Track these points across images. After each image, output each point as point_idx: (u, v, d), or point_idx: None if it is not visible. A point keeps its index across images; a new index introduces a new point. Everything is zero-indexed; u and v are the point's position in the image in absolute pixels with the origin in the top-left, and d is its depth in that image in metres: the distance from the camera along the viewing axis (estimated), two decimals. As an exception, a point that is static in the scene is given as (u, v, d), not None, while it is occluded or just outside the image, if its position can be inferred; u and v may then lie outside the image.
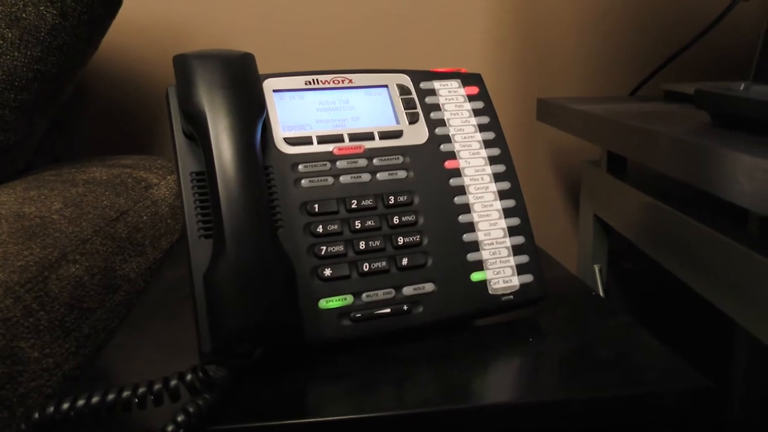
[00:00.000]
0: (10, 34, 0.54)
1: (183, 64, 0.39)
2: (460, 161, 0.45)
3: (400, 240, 0.41)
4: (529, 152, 0.96)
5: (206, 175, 0.37)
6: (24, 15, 0.54)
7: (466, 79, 0.49)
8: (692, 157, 0.37)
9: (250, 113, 0.39)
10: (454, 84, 0.48)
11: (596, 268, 0.72)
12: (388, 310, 0.40)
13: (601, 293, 0.72)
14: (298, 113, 0.43)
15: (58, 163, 0.66)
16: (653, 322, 0.94)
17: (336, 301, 0.39)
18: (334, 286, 0.40)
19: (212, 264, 0.36)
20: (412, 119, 0.45)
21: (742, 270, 0.42)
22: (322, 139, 0.42)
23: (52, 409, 0.30)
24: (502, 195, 0.45)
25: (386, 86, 0.46)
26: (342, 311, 0.39)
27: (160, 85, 0.89)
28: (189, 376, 0.32)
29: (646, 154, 0.45)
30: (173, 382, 0.32)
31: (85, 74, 0.80)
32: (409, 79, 0.47)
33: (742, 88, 0.39)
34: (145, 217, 0.58)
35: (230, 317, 0.35)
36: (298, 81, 0.44)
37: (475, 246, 0.43)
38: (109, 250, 0.50)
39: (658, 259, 0.56)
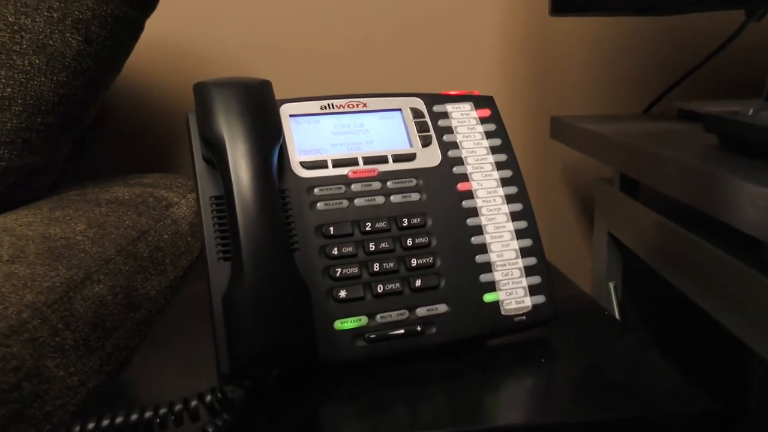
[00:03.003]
0: (37, 61, 0.56)
1: (203, 91, 0.41)
2: (473, 183, 0.46)
3: (414, 262, 0.42)
4: (542, 169, 0.96)
5: (225, 199, 0.38)
6: (51, 42, 0.56)
7: (478, 101, 0.49)
8: (701, 183, 0.37)
9: (268, 139, 0.40)
10: (467, 107, 0.49)
11: (611, 285, 0.72)
12: (402, 331, 0.41)
13: (616, 310, 0.72)
14: (314, 137, 0.44)
15: (81, 182, 0.68)
16: (669, 340, 0.93)
17: (351, 322, 0.40)
18: (348, 308, 0.40)
19: (231, 287, 0.37)
20: (426, 142, 0.46)
21: (753, 294, 0.42)
22: (337, 163, 0.43)
23: (78, 429, 0.31)
24: (515, 216, 0.46)
25: (400, 110, 0.47)
26: (357, 332, 0.40)
27: (178, 106, 0.91)
28: (208, 397, 0.33)
29: (656, 178, 0.45)
30: (193, 403, 0.33)
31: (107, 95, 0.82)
32: (422, 102, 0.47)
33: (751, 113, 0.39)
34: (165, 236, 0.59)
35: (248, 339, 0.36)
36: (314, 106, 0.45)
37: (487, 267, 0.44)
38: (131, 269, 0.52)
39: (670, 278, 0.56)
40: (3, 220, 0.51)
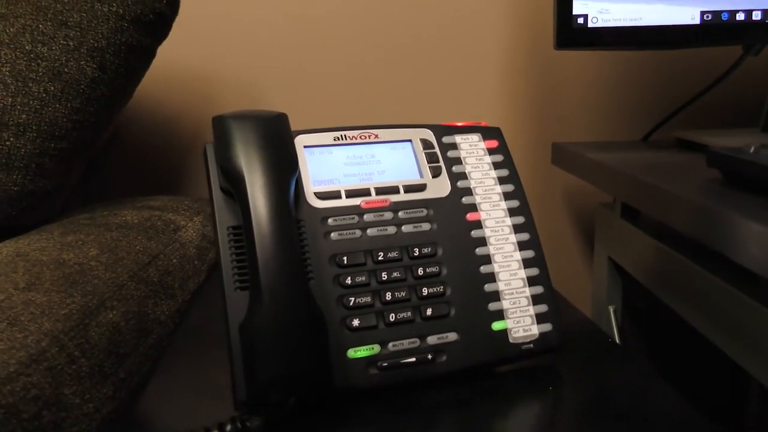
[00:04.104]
0: (52, 88, 0.57)
1: (221, 124, 0.42)
2: (481, 213, 0.46)
3: (425, 291, 0.43)
4: (544, 194, 0.98)
5: (243, 230, 0.39)
6: (66, 69, 0.58)
7: (486, 132, 0.50)
8: (705, 219, 0.39)
9: (285, 171, 0.41)
10: (475, 138, 0.50)
11: (611, 309, 0.73)
12: (414, 359, 0.41)
13: (616, 334, 0.73)
14: (328, 168, 0.45)
15: (90, 205, 0.68)
16: (668, 363, 0.94)
17: (364, 350, 0.41)
18: (362, 336, 0.41)
19: (249, 315, 0.37)
20: (435, 173, 0.47)
21: (751, 321, 0.43)
22: (350, 193, 0.44)
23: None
24: (522, 246, 0.46)
25: (410, 141, 0.48)
26: (369, 360, 0.41)
27: (185, 129, 0.92)
28: (228, 427, 0.34)
29: (659, 210, 0.47)
30: (214, 432, 0.34)
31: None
32: (431, 133, 0.48)
33: (752, 150, 0.41)
34: (174, 260, 0.60)
35: (266, 367, 0.36)
36: (328, 137, 0.46)
37: (496, 296, 0.44)
38: (142, 294, 0.52)
39: (669, 303, 0.57)
40: (15, 245, 0.52)
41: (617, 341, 0.72)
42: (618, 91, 0.95)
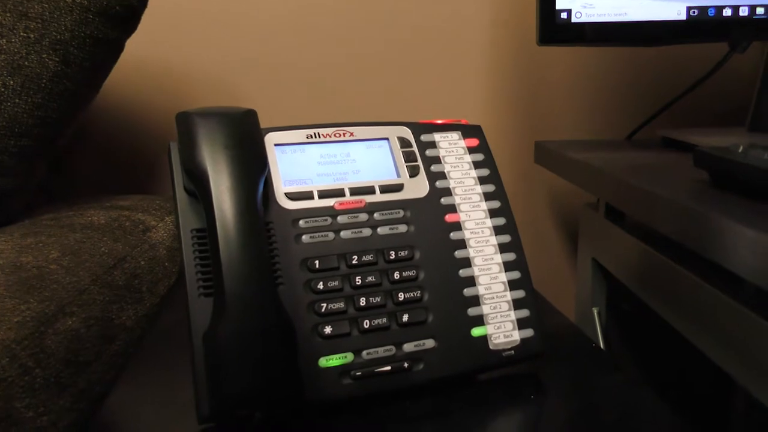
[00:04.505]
0: (11, 82, 0.54)
1: (185, 121, 0.39)
2: (461, 214, 0.45)
3: (401, 296, 0.41)
4: (527, 194, 0.96)
5: (207, 233, 0.37)
6: (26, 63, 0.55)
7: (466, 130, 0.49)
8: (691, 222, 0.37)
9: (252, 171, 0.39)
10: (455, 136, 0.48)
11: (595, 311, 0.72)
12: (389, 368, 0.40)
13: (600, 336, 0.72)
14: (300, 167, 0.43)
15: (56, 204, 0.65)
16: (653, 366, 0.93)
17: (336, 359, 0.39)
18: (334, 344, 0.39)
19: (212, 324, 0.35)
20: (413, 172, 0.45)
21: (735, 324, 0.42)
22: (323, 194, 0.42)
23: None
24: (503, 248, 0.45)
25: (387, 139, 0.46)
26: (342, 369, 0.39)
27: (157, 127, 0.89)
28: (188, 445, 0.32)
29: (644, 213, 0.45)
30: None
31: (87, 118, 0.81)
32: (409, 131, 0.47)
33: (741, 150, 0.39)
34: (143, 263, 0.57)
35: (230, 380, 0.34)
36: (300, 135, 0.44)
37: (475, 300, 0.43)
38: (106, 299, 0.50)
39: (653, 306, 0.56)
40: (-28, 247, 0.49)
41: (601, 344, 0.70)
42: (602, 89, 0.93)
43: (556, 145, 0.71)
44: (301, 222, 0.41)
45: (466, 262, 0.43)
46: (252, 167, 0.39)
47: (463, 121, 0.50)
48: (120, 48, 0.63)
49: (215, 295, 0.36)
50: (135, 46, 0.69)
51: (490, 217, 0.46)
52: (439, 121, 0.49)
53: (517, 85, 0.92)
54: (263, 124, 0.43)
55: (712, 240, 0.35)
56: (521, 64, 0.92)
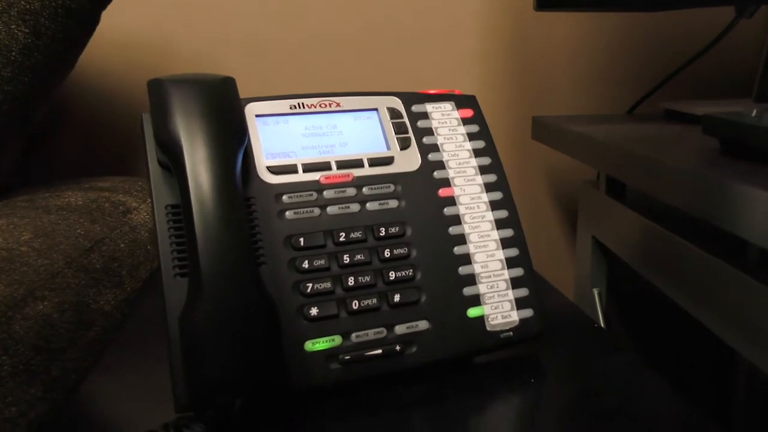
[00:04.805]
0: (-22, 54, 0.51)
1: (158, 89, 0.37)
2: (455, 189, 0.43)
3: (392, 275, 0.39)
4: (523, 171, 0.94)
5: (182, 208, 0.34)
6: (-7, 34, 0.52)
7: (460, 101, 0.46)
8: (703, 190, 0.35)
9: (230, 142, 0.36)
10: (448, 107, 0.46)
11: (595, 292, 0.70)
12: (380, 351, 0.37)
13: (601, 318, 0.70)
14: (283, 139, 0.41)
15: (32, 186, 0.63)
16: (654, 349, 0.92)
17: (323, 342, 0.37)
18: (321, 327, 0.37)
19: (188, 305, 0.33)
20: (404, 144, 0.43)
21: (740, 297, 0.40)
22: (308, 167, 0.40)
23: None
24: (500, 224, 0.43)
25: (376, 110, 0.44)
26: (330, 353, 0.37)
27: (139, 105, 0.86)
28: (160, 435, 0.29)
29: (651, 184, 0.43)
30: (142, 443, 0.29)
31: (62, 93, 0.77)
32: (400, 102, 0.44)
33: (754, 114, 0.37)
34: (122, 245, 0.55)
35: (208, 366, 0.32)
36: (283, 105, 0.42)
37: (471, 279, 0.41)
38: (82, 283, 0.47)
39: (657, 283, 0.53)
40: (-61, 229, 0.46)
41: (602, 325, 0.68)
42: (603, 63, 0.91)
43: (554, 120, 0.69)
44: (284, 197, 0.39)
45: (461, 239, 0.41)
46: (230, 137, 0.36)
47: (457, 92, 0.48)
48: (95, 20, 0.60)
49: (190, 275, 0.34)
50: (115, 18, 0.66)
51: (486, 192, 0.43)
52: (432, 92, 0.47)
53: (512, 58, 0.89)
54: (243, 96, 0.41)
55: (727, 207, 0.32)
56: (517, 34, 0.89)
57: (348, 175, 0.41)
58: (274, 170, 0.39)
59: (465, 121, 0.45)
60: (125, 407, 0.38)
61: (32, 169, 0.74)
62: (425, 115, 0.44)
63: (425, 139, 0.43)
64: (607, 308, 0.71)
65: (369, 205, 0.40)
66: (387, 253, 0.39)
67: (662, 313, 0.87)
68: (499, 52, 0.90)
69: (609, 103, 0.91)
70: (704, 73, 0.83)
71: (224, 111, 0.37)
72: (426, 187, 0.42)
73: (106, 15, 0.62)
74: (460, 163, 0.44)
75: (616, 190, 0.64)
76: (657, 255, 0.54)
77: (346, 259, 0.38)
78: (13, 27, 0.52)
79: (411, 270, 0.39)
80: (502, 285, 0.41)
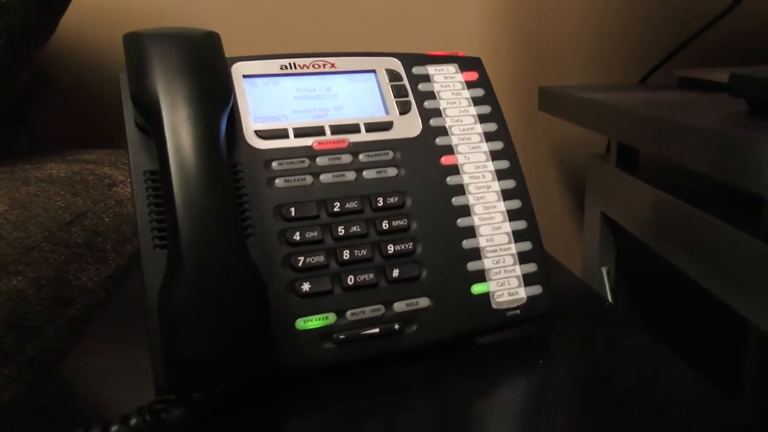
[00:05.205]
0: (-52, 14, 0.48)
1: (134, 44, 0.34)
2: (459, 156, 0.40)
3: (390, 248, 0.36)
4: (528, 145, 0.90)
5: (160, 172, 0.32)
6: (-36, -8, 0.48)
7: (464, 63, 0.44)
8: (732, 152, 0.32)
9: (214, 102, 0.33)
10: (451, 69, 0.43)
11: (604, 270, 0.67)
12: (377, 330, 0.35)
13: (609, 297, 0.67)
14: (273, 102, 0.38)
15: (14, 158, 0.60)
16: (665, 331, 0.89)
17: (316, 320, 0.34)
18: (313, 303, 0.34)
19: (167, 279, 0.30)
20: (404, 109, 0.40)
21: (763, 270, 0.37)
22: (300, 132, 0.37)
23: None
24: (507, 195, 0.40)
25: (374, 71, 0.41)
26: (323, 332, 0.34)
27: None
28: (134, 420, 0.27)
29: (672, 148, 0.39)
30: (114, 429, 0.26)
31: (49, 63, 0.74)
32: (399, 63, 0.42)
33: (788, 71, 0.34)
34: (107, 219, 0.52)
35: (188, 345, 0.29)
36: (273, 65, 0.39)
37: (476, 254, 0.38)
38: (61, 258, 0.45)
39: (672, 259, 0.51)
40: None
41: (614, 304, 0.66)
42: (612, 30, 0.87)
43: (562, 89, 0.65)
44: (274, 164, 0.36)
45: (465, 211, 0.39)
46: (213, 96, 0.33)
47: (460, 54, 0.44)
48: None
49: (170, 246, 0.31)
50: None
51: (492, 160, 0.41)
52: (433, 54, 0.44)
53: (517, 25, 0.86)
54: (231, 55, 0.38)
55: (760, 169, 0.29)
56: (522, 1, 0.85)
57: (343, 141, 0.38)
58: (263, 135, 0.37)
59: (469, 85, 0.43)
60: (106, 389, 0.36)
61: (15, 141, 0.71)
62: (427, 78, 0.42)
63: (426, 104, 0.41)
64: (616, 289, 0.68)
65: (366, 174, 0.37)
66: (385, 225, 0.36)
67: (672, 293, 0.84)
68: (504, 21, 0.86)
69: (617, 73, 0.87)
70: (719, 41, 0.80)
71: (207, 68, 0.34)
72: (427, 154, 0.39)
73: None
74: (464, 129, 0.41)
75: (628, 161, 0.61)
76: (672, 228, 0.51)
77: (341, 230, 0.36)
78: (-14, -15, 0.49)
79: (411, 243, 0.37)
80: (509, 260, 0.39)
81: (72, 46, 0.78)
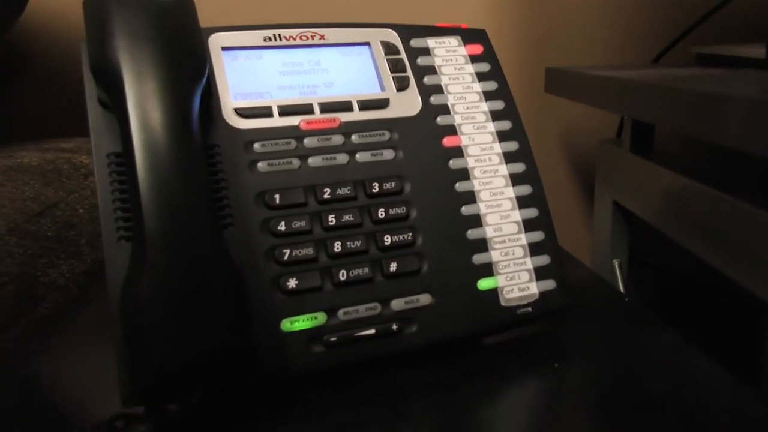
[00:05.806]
0: None
1: (94, 9, 0.30)
2: (462, 138, 0.37)
3: (387, 239, 0.33)
4: (534, 130, 0.86)
5: (123, 153, 0.28)
6: None
7: (468, 35, 0.40)
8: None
9: (186, 75, 0.30)
10: (453, 42, 0.39)
11: (615, 263, 0.63)
12: (373, 331, 0.32)
13: (622, 291, 0.63)
14: (255, 77, 0.35)
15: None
16: (681, 329, 0.85)
17: (304, 321, 0.31)
18: (301, 302, 0.31)
19: (131, 274, 0.27)
20: (401, 85, 0.37)
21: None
22: (286, 110, 0.34)
23: None
24: (516, 180, 0.37)
25: (368, 44, 0.38)
26: (312, 334, 0.31)
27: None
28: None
29: (698, 122, 0.36)
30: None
31: (23, 50, 0.70)
32: (396, 35, 0.38)
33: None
34: (81, 211, 0.48)
35: (155, 350, 0.26)
36: (256, 37, 0.36)
37: (482, 245, 0.35)
38: (28, 252, 0.41)
39: (693, 248, 0.47)
40: None
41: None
42: (623, 7, 0.82)
43: (571, 69, 0.62)
44: (256, 145, 0.33)
45: (470, 197, 0.35)
46: (185, 68, 0.30)
47: (463, 26, 0.41)
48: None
49: (134, 237, 0.27)
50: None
51: (499, 141, 0.37)
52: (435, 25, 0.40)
53: (523, 2, 0.82)
54: (207, 25, 0.34)
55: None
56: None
57: (334, 120, 0.34)
58: (244, 113, 0.33)
59: (473, 59, 0.39)
60: (69, 399, 0.33)
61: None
62: (426, 51, 0.38)
63: (426, 79, 0.37)
64: (628, 282, 0.65)
65: (359, 156, 0.34)
66: (381, 213, 0.33)
67: (692, 289, 0.80)
68: None
69: (627, 52, 0.83)
70: (735, 17, 0.76)
71: (178, 37, 0.31)
72: (428, 135, 0.36)
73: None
74: (468, 108, 0.37)
75: (643, 144, 0.57)
76: (694, 216, 0.47)
77: (332, 220, 0.32)
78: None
79: (410, 233, 0.33)
80: (519, 251, 0.35)
81: (48, 23, 0.74)
